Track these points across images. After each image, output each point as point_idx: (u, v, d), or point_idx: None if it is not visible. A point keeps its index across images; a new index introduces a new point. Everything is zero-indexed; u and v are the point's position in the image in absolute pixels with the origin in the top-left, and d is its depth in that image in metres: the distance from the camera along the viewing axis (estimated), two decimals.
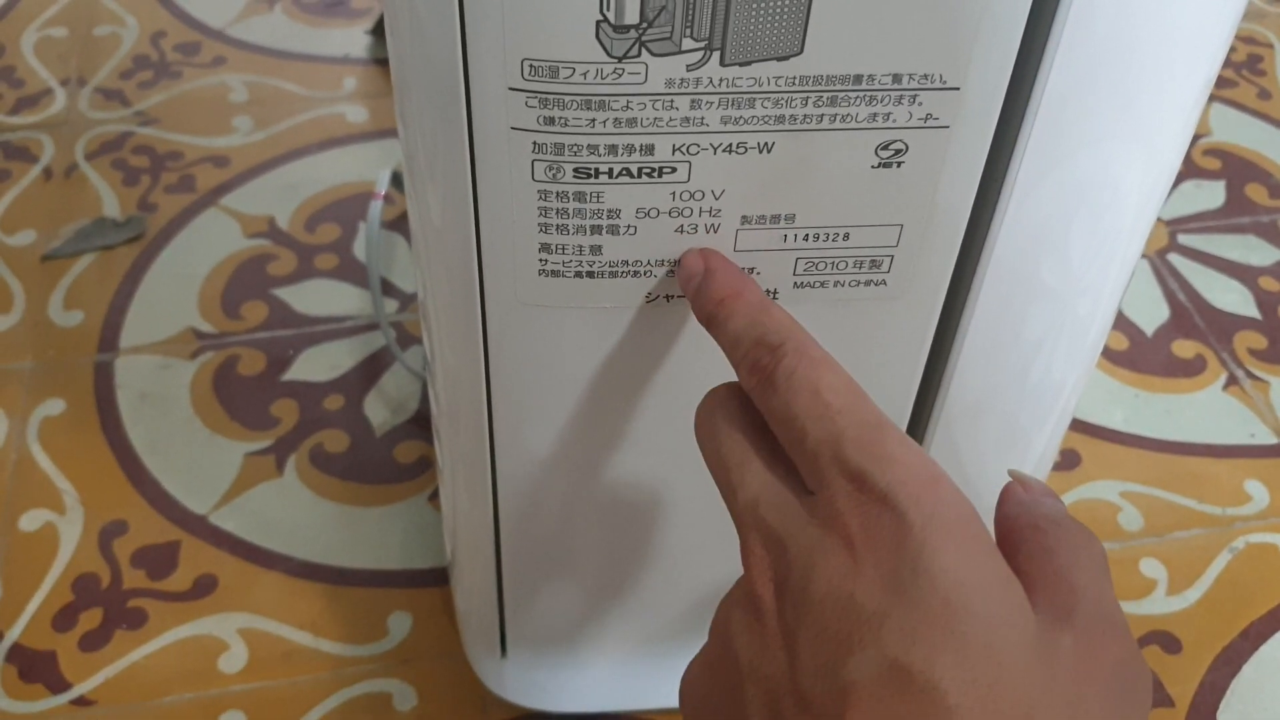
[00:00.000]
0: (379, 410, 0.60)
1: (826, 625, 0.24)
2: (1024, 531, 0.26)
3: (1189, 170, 0.75)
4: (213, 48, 0.81)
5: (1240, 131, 0.78)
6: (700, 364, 0.34)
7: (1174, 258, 0.70)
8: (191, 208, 0.70)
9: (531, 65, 0.26)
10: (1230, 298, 0.67)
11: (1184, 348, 0.65)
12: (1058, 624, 0.24)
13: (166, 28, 0.83)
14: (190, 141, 0.74)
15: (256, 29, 0.83)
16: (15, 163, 0.73)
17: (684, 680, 0.28)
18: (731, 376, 0.29)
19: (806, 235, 0.30)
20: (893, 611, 0.23)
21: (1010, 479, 0.28)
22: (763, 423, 0.28)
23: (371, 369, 0.62)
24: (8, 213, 0.70)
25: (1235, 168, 0.76)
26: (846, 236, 0.30)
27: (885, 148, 0.28)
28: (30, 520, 0.55)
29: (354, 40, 0.82)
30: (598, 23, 0.26)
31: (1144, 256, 0.70)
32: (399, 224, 0.69)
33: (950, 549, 0.23)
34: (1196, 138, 0.77)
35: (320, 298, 0.65)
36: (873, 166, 0.29)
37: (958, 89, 0.28)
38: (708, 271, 0.30)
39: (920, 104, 0.28)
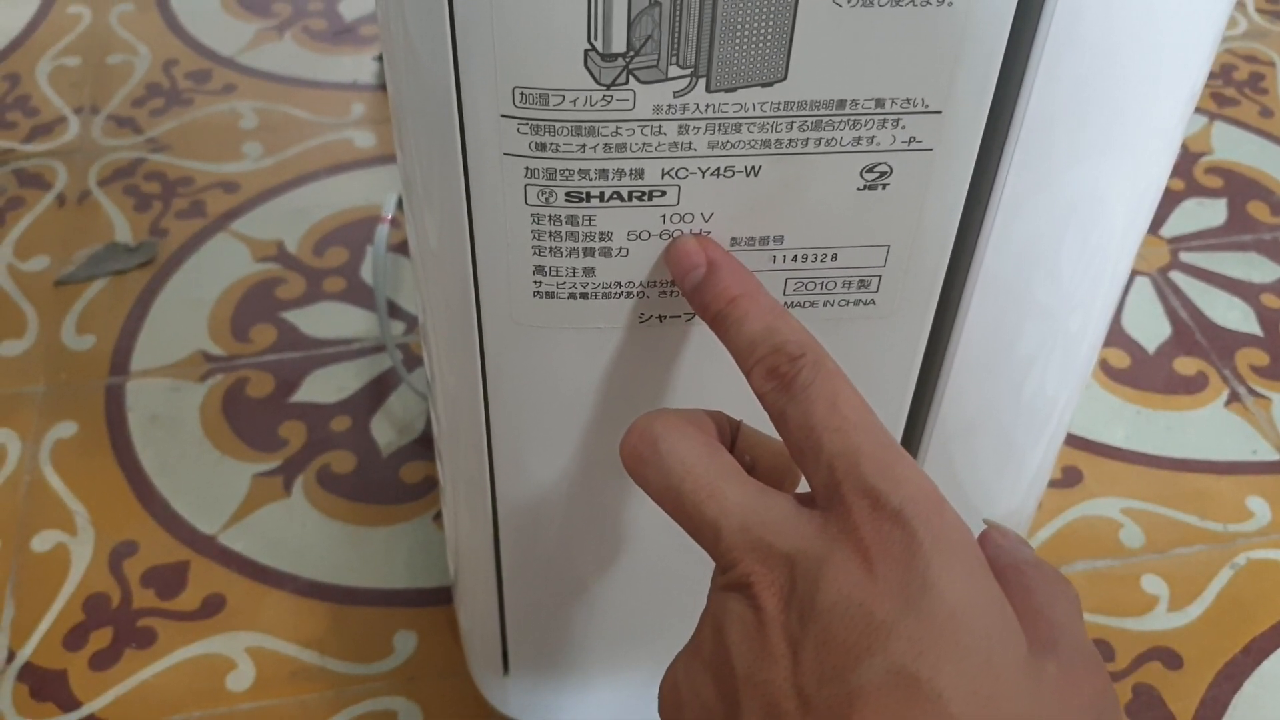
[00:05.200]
0: (385, 431, 0.60)
1: (834, 633, 0.24)
2: (1004, 571, 0.27)
3: (1191, 188, 0.76)
4: (223, 75, 0.82)
5: (1242, 149, 0.79)
6: (694, 381, 0.35)
7: (1176, 275, 0.70)
8: (202, 233, 0.71)
9: (522, 93, 0.27)
10: (1232, 315, 0.68)
11: (1185, 365, 0.65)
12: (1043, 652, 0.25)
13: (178, 56, 0.84)
14: (201, 167, 0.75)
15: (266, 56, 0.84)
16: (29, 189, 0.74)
17: (663, 686, 0.29)
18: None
19: (795, 256, 0.31)
20: (901, 622, 0.24)
21: (986, 526, 0.29)
22: (715, 447, 0.28)
23: (378, 390, 0.62)
24: (22, 239, 0.71)
25: (1237, 185, 0.76)
26: (834, 257, 0.31)
27: (870, 170, 0.29)
28: (42, 541, 0.56)
29: (362, 67, 0.83)
30: (586, 51, 0.26)
31: (1146, 274, 0.70)
32: (406, 247, 0.70)
33: (956, 568, 0.24)
34: (1198, 155, 0.78)
35: (328, 320, 0.66)
36: (858, 189, 0.29)
37: (940, 112, 0.28)
38: (712, 266, 0.30)
39: (903, 127, 0.28)
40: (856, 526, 0.25)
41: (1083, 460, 0.60)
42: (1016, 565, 0.27)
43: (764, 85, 0.27)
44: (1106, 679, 0.26)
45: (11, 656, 0.51)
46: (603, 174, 0.29)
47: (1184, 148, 0.78)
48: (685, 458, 0.28)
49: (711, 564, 0.28)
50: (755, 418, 0.30)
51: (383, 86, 0.82)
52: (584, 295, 0.31)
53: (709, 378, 0.34)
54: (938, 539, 0.25)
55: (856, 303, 0.32)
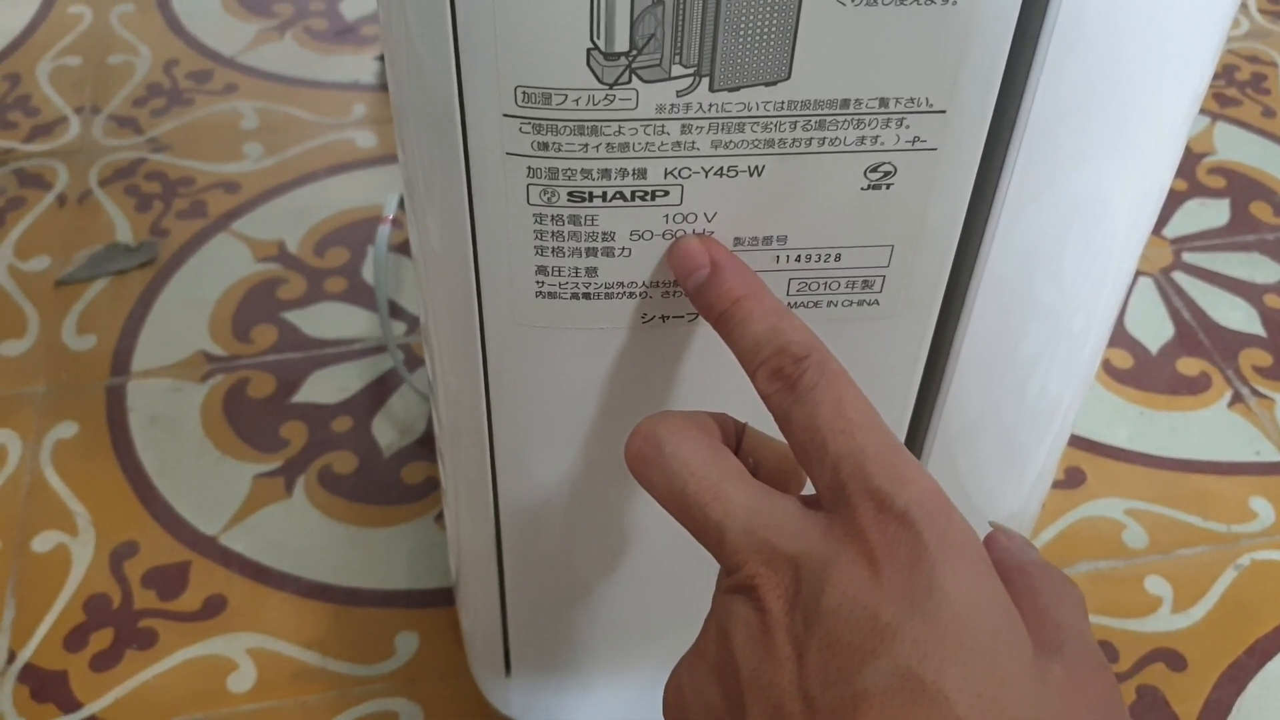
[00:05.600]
0: (387, 432, 0.60)
1: (839, 635, 0.24)
2: (1010, 573, 0.27)
3: (1193, 188, 0.76)
4: (224, 75, 0.82)
5: (1244, 150, 0.78)
6: (697, 382, 0.34)
7: (1179, 276, 0.70)
8: (203, 233, 0.71)
9: (524, 92, 0.27)
10: (1235, 315, 0.67)
11: (1189, 365, 0.65)
12: (1048, 654, 0.25)
13: (179, 56, 0.84)
14: (202, 167, 0.75)
15: (267, 56, 0.84)
16: (30, 190, 0.74)
17: (668, 689, 0.29)
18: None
19: (799, 256, 0.31)
20: (907, 624, 0.24)
21: (991, 529, 0.29)
22: (719, 450, 0.28)
23: (379, 391, 0.62)
24: (23, 239, 0.71)
25: (1240, 186, 0.76)
26: (838, 257, 0.31)
27: (874, 170, 0.29)
28: (43, 541, 0.56)
29: (363, 67, 0.83)
30: (588, 50, 0.26)
31: (1149, 275, 0.70)
32: (407, 248, 0.70)
33: (962, 569, 0.25)
34: (1201, 156, 0.78)
35: (329, 321, 0.66)
36: (862, 188, 0.29)
37: (944, 112, 0.28)
38: (716, 266, 0.30)
39: (907, 127, 0.28)
40: (862, 529, 0.25)
41: (1086, 461, 0.60)
42: (1022, 567, 0.27)
43: (767, 84, 0.27)
44: (1112, 680, 0.26)
45: (12, 657, 0.51)
46: (605, 174, 0.29)
47: (1186, 148, 0.78)
48: (689, 460, 0.27)
49: (715, 565, 0.28)
50: (759, 419, 0.30)
51: (384, 86, 0.82)
52: (586, 295, 0.31)
53: (712, 379, 0.34)
54: (943, 541, 0.25)
55: (860, 303, 0.32)
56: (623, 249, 0.30)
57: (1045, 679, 0.24)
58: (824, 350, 0.28)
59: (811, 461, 0.27)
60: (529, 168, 0.28)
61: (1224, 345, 0.66)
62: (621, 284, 0.31)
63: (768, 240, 0.30)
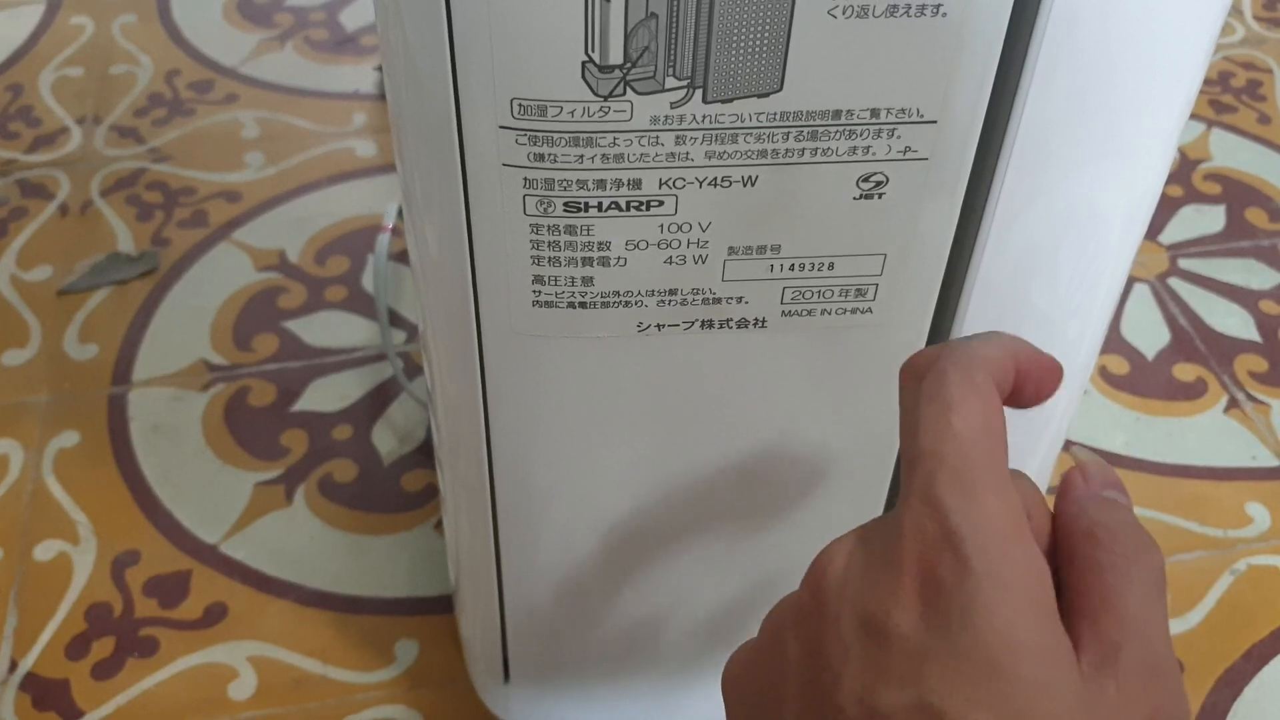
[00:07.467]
0: (387, 440, 0.61)
1: (866, 649, 0.24)
2: (1078, 539, 0.25)
3: (1189, 195, 0.76)
4: (225, 85, 0.83)
5: (1240, 156, 0.79)
6: (693, 389, 0.35)
7: (1174, 282, 0.70)
8: (204, 242, 0.71)
9: (521, 104, 0.27)
10: (1231, 321, 0.68)
11: (1185, 371, 0.65)
12: (1102, 670, 0.23)
13: (180, 66, 0.84)
14: (203, 177, 0.75)
15: (268, 67, 0.84)
16: (32, 199, 0.74)
17: (729, 665, 0.28)
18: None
19: (792, 265, 0.31)
20: (934, 654, 0.23)
21: (1074, 461, 0.26)
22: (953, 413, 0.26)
23: (379, 399, 0.63)
24: (25, 248, 0.71)
25: (1235, 192, 0.76)
26: (831, 266, 0.31)
27: (866, 180, 0.29)
28: (44, 550, 0.56)
29: (363, 77, 0.84)
30: (583, 63, 0.27)
31: (1145, 281, 0.70)
32: (407, 256, 0.70)
33: (1003, 608, 0.23)
34: (1196, 162, 0.78)
35: (329, 329, 0.66)
36: (854, 198, 0.30)
37: (935, 122, 0.28)
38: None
39: (899, 137, 0.29)
40: (904, 536, 0.24)
41: None
42: (1090, 532, 0.25)
43: (760, 96, 0.27)
44: (1174, 685, 0.24)
45: (14, 666, 0.52)
46: (600, 184, 0.29)
47: (1182, 154, 0.78)
48: (919, 409, 0.25)
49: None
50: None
51: (384, 96, 0.82)
52: (583, 304, 0.32)
53: (708, 386, 0.34)
54: (991, 574, 0.23)
55: (854, 311, 0.32)
56: (618, 258, 0.31)
57: (1094, 711, 0.23)
58: (969, 351, 0.26)
59: (904, 457, 0.25)
60: (525, 179, 0.29)
61: (1220, 351, 0.66)
62: (617, 293, 0.31)
63: (761, 249, 0.31)
